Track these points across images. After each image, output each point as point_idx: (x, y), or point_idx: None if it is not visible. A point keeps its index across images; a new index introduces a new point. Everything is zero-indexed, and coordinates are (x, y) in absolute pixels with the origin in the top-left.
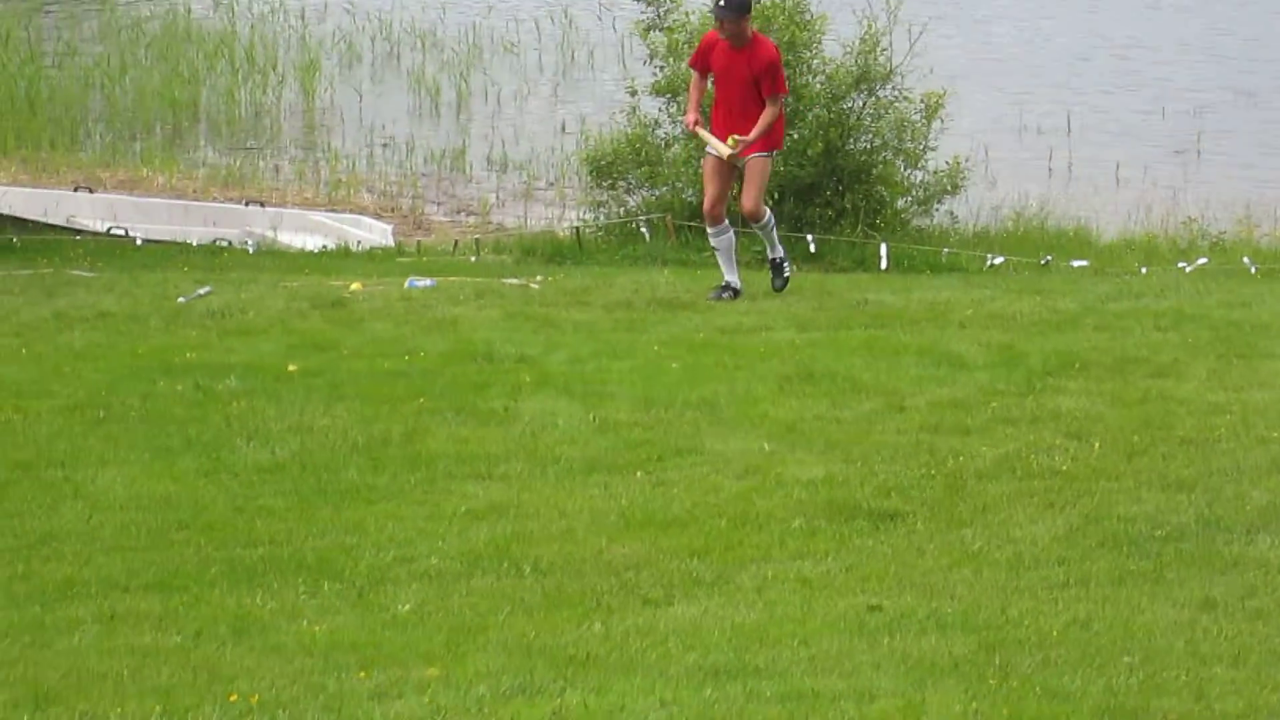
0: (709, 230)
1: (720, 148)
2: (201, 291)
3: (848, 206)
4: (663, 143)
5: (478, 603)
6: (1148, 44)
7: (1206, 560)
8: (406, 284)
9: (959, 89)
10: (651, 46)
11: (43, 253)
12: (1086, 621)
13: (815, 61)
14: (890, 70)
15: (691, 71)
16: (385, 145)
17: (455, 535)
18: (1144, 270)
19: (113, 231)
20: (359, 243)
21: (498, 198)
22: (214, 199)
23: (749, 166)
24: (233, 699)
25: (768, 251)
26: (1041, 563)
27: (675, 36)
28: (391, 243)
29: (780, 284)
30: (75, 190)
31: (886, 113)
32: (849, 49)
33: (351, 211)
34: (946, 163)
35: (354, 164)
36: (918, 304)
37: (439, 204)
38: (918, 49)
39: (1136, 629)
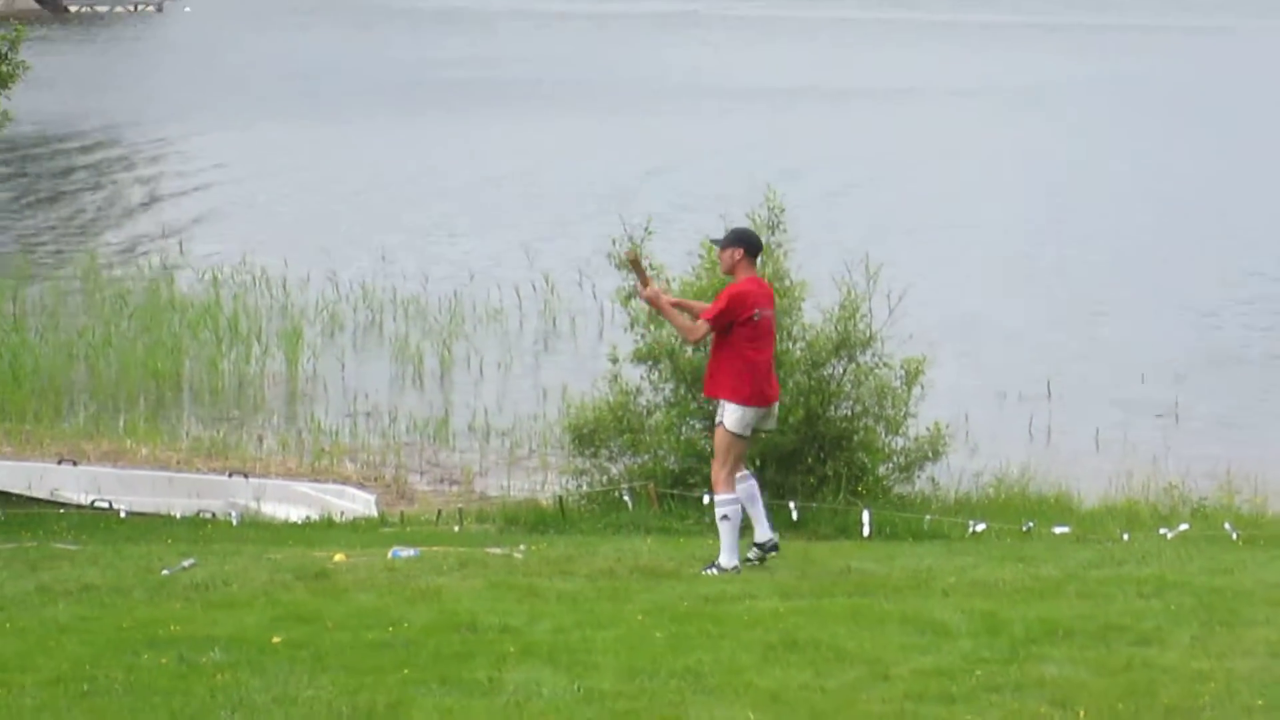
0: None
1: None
2: (185, 564)
3: (829, 473)
4: (645, 410)
5: None
6: (1122, 308)
7: None
8: (390, 554)
9: (938, 354)
10: (633, 314)
11: (26, 526)
12: None
13: (795, 328)
14: (870, 337)
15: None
16: (368, 414)
17: None
18: (1126, 537)
19: (96, 504)
20: (342, 513)
21: (481, 466)
22: (198, 470)
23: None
24: None
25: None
26: None
27: None
28: (375, 513)
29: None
30: (59, 462)
31: (867, 379)
32: (829, 315)
33: (335, 481)
34: (927, 429)
35: (337, 433)
36: (901, 571)
37: (422, 473)
38: (897, 314)
39: None
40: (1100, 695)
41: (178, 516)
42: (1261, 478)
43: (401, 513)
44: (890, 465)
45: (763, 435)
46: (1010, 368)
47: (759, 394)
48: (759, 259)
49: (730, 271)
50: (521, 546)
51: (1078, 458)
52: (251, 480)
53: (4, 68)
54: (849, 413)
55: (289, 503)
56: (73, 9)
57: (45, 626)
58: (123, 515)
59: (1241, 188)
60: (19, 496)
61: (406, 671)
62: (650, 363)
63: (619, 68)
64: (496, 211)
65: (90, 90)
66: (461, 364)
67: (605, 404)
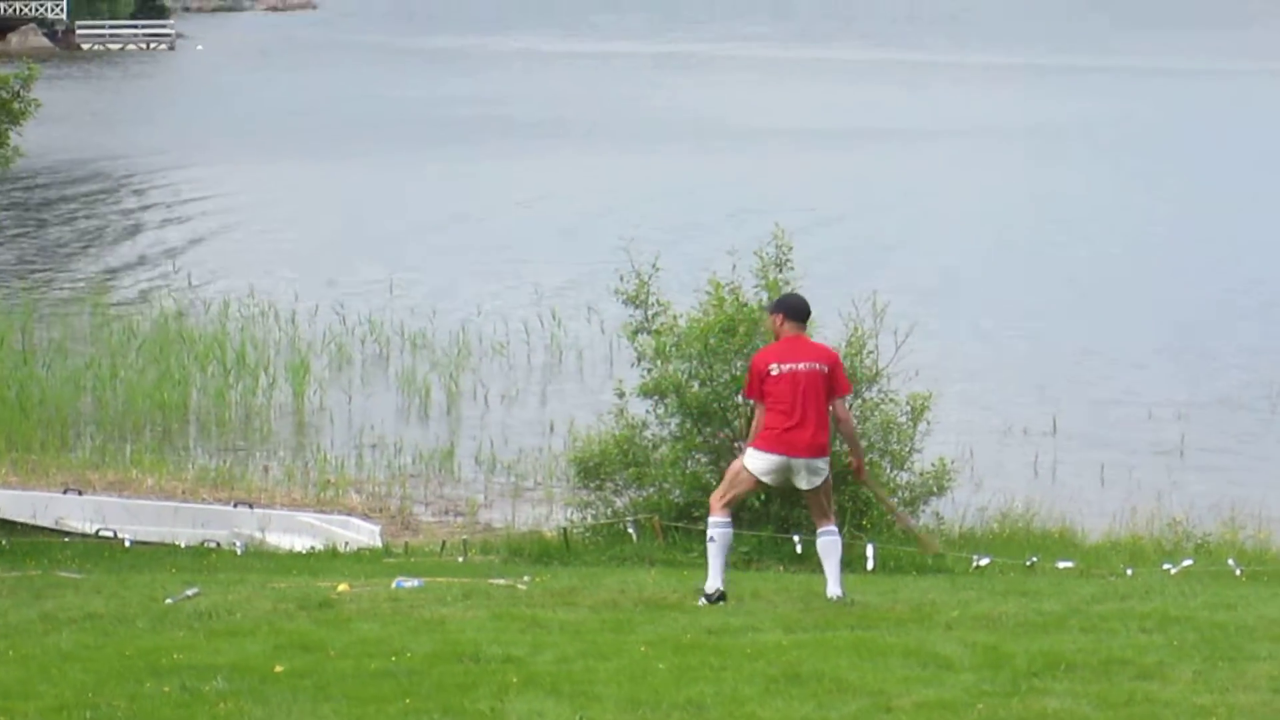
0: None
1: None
2: (189, 593)
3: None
4: (650, 443)
5: None
6: (1127, 345)
7: None
8: (394, 584)
9: (944, 390)
10: (639, 349)
11: (31, 555)
12: None
13: None
14: (876, 372)
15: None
16: (374, 445)
17: None
18: (1129, 572)
19: (101, 533)
20: (347, 544)
21: (485, 498)
22: (203, 500)
23: None
24: None
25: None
26: None
27: (663, 340)
28: (379, 543)
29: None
30: (65, 492)
31: (873, 414)
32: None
33: (340, 512)
34: (932, 464)
35: (342, 464)
36: (904, 605)
37: (427, 504)
38: (903, 350)
39: None
40: None
41: (182, 546)
42: (1265, 513)
43: (406, 543)
44: (895, 500)
45: (803, 490)
46: (1015, 404)
47: (781, 442)
48: (807, 322)
49: (777, 335)
50: (525, 577)
51: (1082, 493)
52: (257, 510)
53: (16, 105)
54: None
55: (294, 533)
56: (85, 46)
57: (48, 654)
58: (127, 544)
59: (1246, 227)
60: (24, 525)
61: (409, 701)
62: (656, 397)
63: (624, 106)
64: (503, 246)
65: (102, 126)
66: (467, 396)
67: (611, 437)
